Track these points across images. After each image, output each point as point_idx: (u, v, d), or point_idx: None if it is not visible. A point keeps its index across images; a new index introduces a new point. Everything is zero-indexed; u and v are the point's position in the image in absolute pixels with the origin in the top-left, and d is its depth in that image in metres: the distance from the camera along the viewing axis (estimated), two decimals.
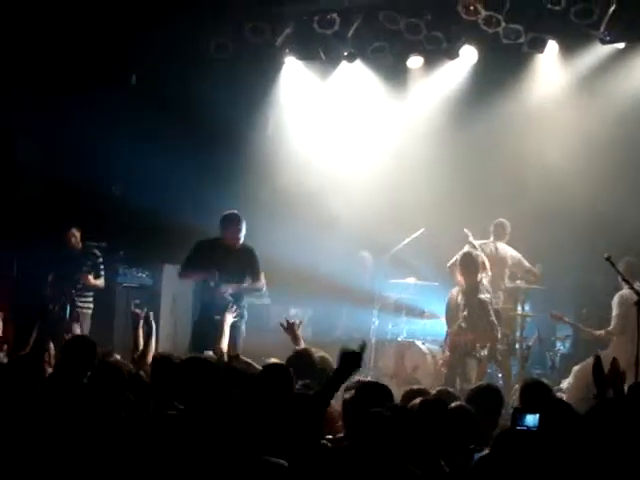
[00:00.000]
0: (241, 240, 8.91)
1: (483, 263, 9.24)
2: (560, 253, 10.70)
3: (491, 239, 10.40)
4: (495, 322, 8.95)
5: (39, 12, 10.64)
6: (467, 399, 5.38)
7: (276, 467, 4.23)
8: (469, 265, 9.06)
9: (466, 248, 9.77)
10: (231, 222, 8.88)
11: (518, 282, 10.28)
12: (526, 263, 10.33)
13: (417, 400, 5.19)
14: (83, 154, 11.14)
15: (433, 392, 5.89)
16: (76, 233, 10.17)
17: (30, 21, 10.66)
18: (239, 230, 8.85)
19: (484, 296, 9.02)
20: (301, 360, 6.09)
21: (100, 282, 10.21)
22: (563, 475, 4.02)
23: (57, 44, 10.94)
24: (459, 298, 9.11)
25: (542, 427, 4.26)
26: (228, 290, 8.72)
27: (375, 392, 5.31)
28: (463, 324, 8.99)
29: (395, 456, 4.23)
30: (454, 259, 9.69)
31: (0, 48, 10.68)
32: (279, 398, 5.00)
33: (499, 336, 9.05)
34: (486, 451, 4.33)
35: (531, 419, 4.35)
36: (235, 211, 8.99)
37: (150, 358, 6.44)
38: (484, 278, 9.17)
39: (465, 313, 9.00)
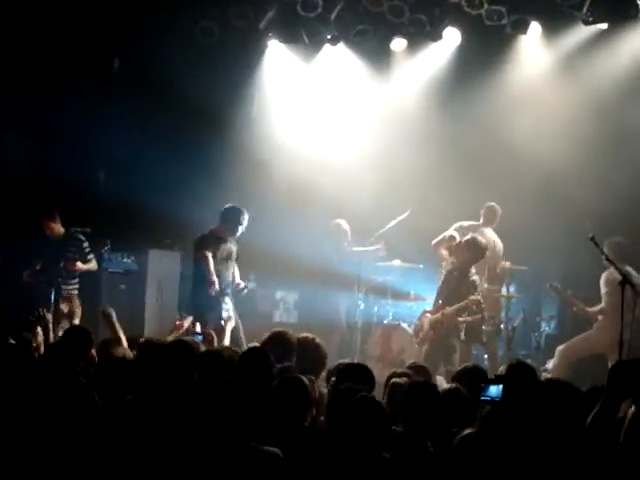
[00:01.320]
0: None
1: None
2: (545, 234, 10.73)
3: (481, 221, 10.36)
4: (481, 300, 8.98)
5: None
6: (453, 380, 5.42)
7: (268, 455, 4.25)
8: (474, 249, 9.08)
9: (452, 230, 9.81)
10: None
11: (507, 264, 10.29)
12: (500, 258, 10.35)
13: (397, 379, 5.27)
14: (67, 139, 11.08)
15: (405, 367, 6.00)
16: (56, 220, 10.00)
17: (9, 8, 10.56)
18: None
19: (476, 277, 9.08)
20: (278, 342, 6.09)
21: (91, 265, 10.05)
22: (548, 454, 4.06)
23: (38, 29, 10.85)
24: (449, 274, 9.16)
25: (506, 397, 4.29)
26: None
27: (355, 373, 5.35)
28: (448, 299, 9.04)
29: (373, 441, 4.24)
30: (441, 237, 9.74)
31: None
32: (259, 382, 4.99)
33: (486, 316, 9.07)
34: (468, 431, 4.36)
35: (494, 390, 4.40)
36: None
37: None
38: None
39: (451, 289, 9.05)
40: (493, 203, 10.36)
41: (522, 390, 4.45)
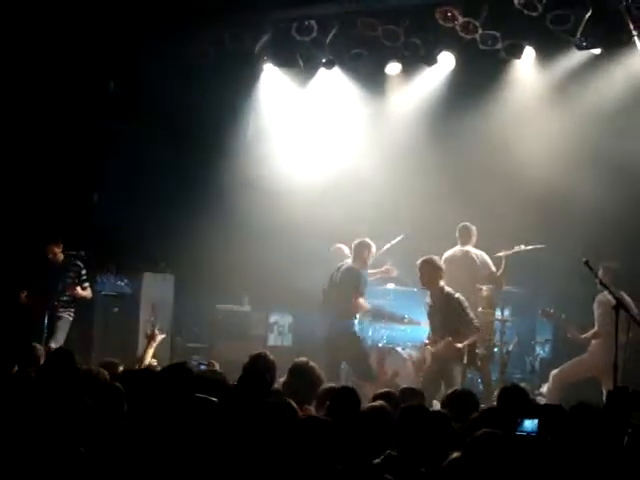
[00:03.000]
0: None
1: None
2: (539, 258, 10.72)
3: (458, 245, 10.30)
4: (473, 319, 8.88)
5: (20, 17, 10.59)
6: (443, 403, 5.41)
7: None
8: (428, 268, 8.92)
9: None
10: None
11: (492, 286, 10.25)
12: (492, 266, 10.27)
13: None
14: (62, 161, 11.09)
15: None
16: (59, 245, 10.06)
17: (10, 31, 10.60)
18: None
19: (458, 295, 8.92)
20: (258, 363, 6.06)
21: (87, 292, 10.14)
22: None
23: (36, 50, 10.88)
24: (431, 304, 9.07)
25: (542, 432, 4.26)
26: None
27: (344, 397, 5.33)
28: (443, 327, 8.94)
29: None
30: None
31: None
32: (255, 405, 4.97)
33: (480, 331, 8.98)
34: (456, 454, 4.35)
35: (530, 424, 4.35)
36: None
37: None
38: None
39: (440, 317, 8.96)
40: (466, 223, 10.27)
41: (557, 424, 4.41)
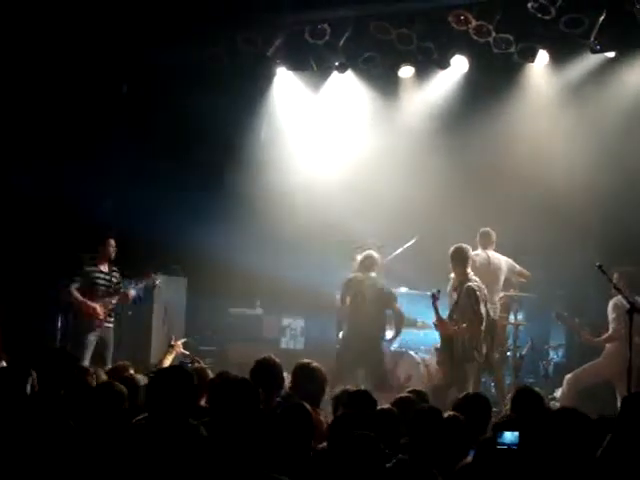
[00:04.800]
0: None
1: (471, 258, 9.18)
2: (553, 262, 10.71)
3: (479, 250, 10.25)
4: (481, 312, 8.79)
5: (31, 21, 10.62)
6: (455, 408, 5.38)
7: None
8: (459, 258, 8.99)
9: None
10: None
11: (512, 291, 10.24)
12: (517, 266, 10.26)
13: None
14: (76, 166, 11.11)
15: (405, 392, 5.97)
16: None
17: (21, 31, 10.64)
18: None
19: (472, 284, 8.91)
20: (265, 370, 6.02)
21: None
22: None
23: (48, 55, 10.93)
24: (453, 295, 9.06)
25: (522, 444, 4.21)
26: None
27: (359, 401, 5.32)
28: (453, 315, 8.95)
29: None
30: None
31: None
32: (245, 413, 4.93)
33: (482, 328, 8.83)
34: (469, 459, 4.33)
35: (510, 436, 4.30)
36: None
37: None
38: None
39: (454, 305, 8.97)
40: (487, 228, 10.23)
41: (537, 434, 4.37)
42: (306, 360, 6.31)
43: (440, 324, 8.94)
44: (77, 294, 9.65)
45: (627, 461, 4.02)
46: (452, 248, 9.03)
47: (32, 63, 10.89)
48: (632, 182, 10.01)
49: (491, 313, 9.20)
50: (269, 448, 4.59)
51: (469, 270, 8.98)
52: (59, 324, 9.89)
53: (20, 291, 10.66)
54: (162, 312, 11.02)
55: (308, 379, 6.02)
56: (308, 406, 5.00)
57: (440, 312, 8.94)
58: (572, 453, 4.15)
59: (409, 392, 6.01)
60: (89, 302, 9.60)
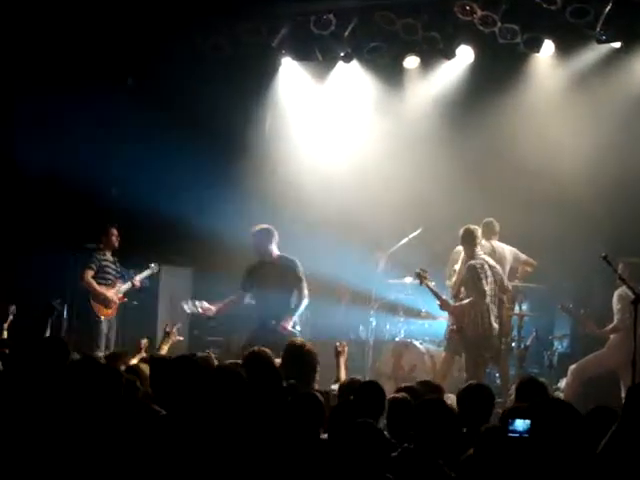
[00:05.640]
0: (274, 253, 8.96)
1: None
2: (558, 253, 10.69)
3: (482, 240, 10.26)
4: (483, 288, 8.91)
5: (37, 11, 10.64)
6: (458, 397, 5.39)
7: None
8: (467, 238, 9.14)
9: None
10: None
11: (516, 282, 10.24)
12: (522, 255, 10.28)
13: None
14: (82, 155, 11.14)
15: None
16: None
17: (27, 21, 10.66)
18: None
19: (474, 261, 9.04)
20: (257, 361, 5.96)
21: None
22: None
23: (54, 46, 10.94)
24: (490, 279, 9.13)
25: (534, 433, 4.21)
26: (287, 326, 8.68)
27: (367, 391, 5.34)
28: (459, 294, 9.09)
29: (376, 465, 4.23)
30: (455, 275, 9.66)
31: None
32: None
33: (486, 301, 8.95)
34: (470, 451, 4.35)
35: (521, 424, 4.29)
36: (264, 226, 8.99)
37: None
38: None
39: (493, 285, 9.08)
40: (490, 218, 10.24)
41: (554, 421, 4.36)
42: (297, 340, 6.33)
43: (442, 302, 9.08)
44: (93, 282, 9.83)
45: (631, 452, 4.02)
46: (461, 230, 9.20)
47: (38, 54, 10.91)
48: (638, 173, 9.99)
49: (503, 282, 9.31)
50: (278, 436, 4.61)
51: (478, 250, 9.12)
52: (65, 313, 9.91)
53: (26, 278, 10.70)
54: (167, 302, 11.05)
55: (298, 359, 6.01)
56: (320, 396, 5.02)
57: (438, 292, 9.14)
58: (577, 445, 4.15)
59: (418, 383, 6.01)
60: (104, 290, 9.80)
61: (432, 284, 9.30)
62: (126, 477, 4.43)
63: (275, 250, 9.02)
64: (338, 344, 7.16)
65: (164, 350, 7.58)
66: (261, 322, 8.82)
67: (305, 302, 8.90)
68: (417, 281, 9.34)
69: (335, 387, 6.30)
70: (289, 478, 4.34)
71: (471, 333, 8.99)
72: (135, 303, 11.03)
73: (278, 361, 6.22)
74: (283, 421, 4.81)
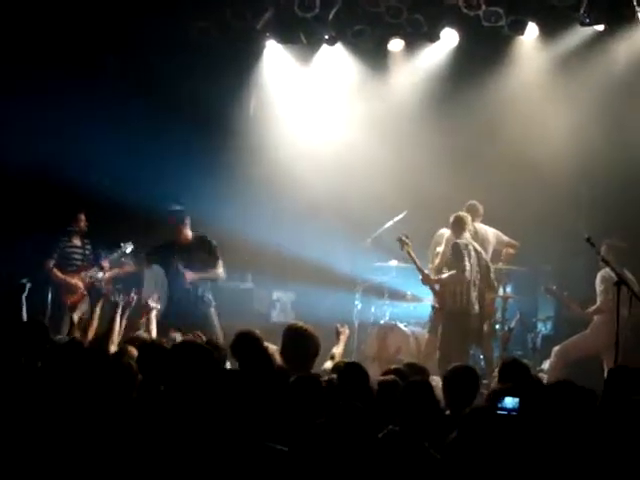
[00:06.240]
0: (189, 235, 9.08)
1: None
2: (542, 235, 10.75)
3: None
4: (464, 263, 9.07)
5: None
6: (444, 380, 5.42)
7: (276, 453, 4.26)
8: (457, 226, 9.29)
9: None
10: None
11: (500, 264, 10.29)
12: (504, 236, 10.33)
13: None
14: (63, 140, 11.07)
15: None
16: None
17: (6, 6, 10.56)
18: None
19: (459, 241, 9.21)
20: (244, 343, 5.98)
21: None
22: (534, 456, 4.06)
23: (35, 31, 10.84)
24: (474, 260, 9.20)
25: (523, 410, 4.25)
26: (192, 277, 8.92)
27: (351, 373, 5.36)
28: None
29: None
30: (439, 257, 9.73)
31: None
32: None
33: (466, 275, 9.09)
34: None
35: (510, 402, 4.33)
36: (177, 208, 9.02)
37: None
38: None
39: (478, 275, 9.19)
40: (474, 201, 10.25)
41: (536, 401, 4.41)
42: (298, 323, 6.30)
43: (422, 274, 9.28)
44: (56, 271, 9.80)
45: (611, 433, 4.07)
46: (452, 216, 9.36)
47: (14, 34, 10.80)
48: (621, 155, 10.04)
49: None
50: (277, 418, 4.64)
51: (467, 235, 9.28)
52: (49, 298, 9.88)
53: (10, 265, 10.65)
54: (152, 286, 11.01)
55: (298, 342, 6.00)
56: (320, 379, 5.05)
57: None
58: (565, 423, 4.20)
59: (404, 366, 6.04)
60: (69, 278, 9.75)
61: (413, 254, 9.38)
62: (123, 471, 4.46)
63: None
64: (339, 325, 7.18)
65: (153, 330, 7.57)
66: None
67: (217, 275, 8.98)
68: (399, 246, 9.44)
69: (329, 365, 6.32)
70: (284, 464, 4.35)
71: (449, 307, 9.09)
72: (119, 286, 11.01)
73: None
74: (283, 406, 4.83)
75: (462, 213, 9.40)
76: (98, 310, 7.49)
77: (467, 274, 9.04)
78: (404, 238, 9.37)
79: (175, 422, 4.60)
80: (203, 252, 9.16)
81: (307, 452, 4.33)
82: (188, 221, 9.19)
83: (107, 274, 10.05)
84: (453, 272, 9.10)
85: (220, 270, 9.18)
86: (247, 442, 4.29)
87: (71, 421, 4.69)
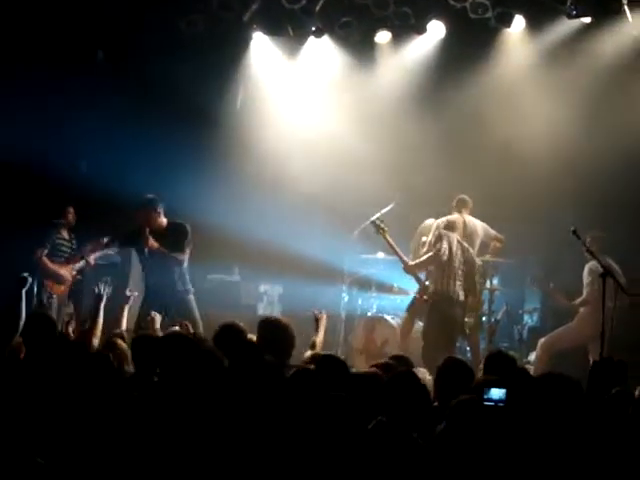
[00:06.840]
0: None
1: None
2: (528, 228, 10.77)
3: (455, 214, 10.30)
4: (444, 249, 9.08)
5: None
6: (437, 373, 5.42)
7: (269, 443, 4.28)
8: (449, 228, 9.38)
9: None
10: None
11: (487, 256, 10.31)
12: (492, 230, 10.34)
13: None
14: (50, 130, 11.03)
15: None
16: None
17: None
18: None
19: (444, 231, 9.30)
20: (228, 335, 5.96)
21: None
22: (520, 447, 4.07)
23: (21, 19, 10.79)
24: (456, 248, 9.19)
25: (510, 401, 4.26)
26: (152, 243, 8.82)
27: (330, 364, 5.36)
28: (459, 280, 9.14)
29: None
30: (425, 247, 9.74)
31: None
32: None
33: (444, 260, 9.09)
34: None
35: (497, 393, 4.33)
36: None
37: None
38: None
39: (463, 267, 9.16)
40: (463, 195, 10.27)
41: (524, 392, 4.41)
42: (272, 317, 6.33)
43: (399, 258, 9.37)
44: (47, 261, 9.83)
45: (596, 424, 4.08)
46: (445, 221, 9.59)
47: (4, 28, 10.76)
48: (607, 146, 10.06)
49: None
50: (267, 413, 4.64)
51: (455, 234, 9.36)
52: (35, 289, 9.85)
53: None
54: (137, 279, 10.98)
55: (274, 334, 6.01)
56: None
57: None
58: (552, 414, 4.21)
59: (390, 358, 6.03)
60: (57, 267, 9.79)
61: (391, 239, 9.38)
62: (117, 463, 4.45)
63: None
64: (317, 311, 7.15)
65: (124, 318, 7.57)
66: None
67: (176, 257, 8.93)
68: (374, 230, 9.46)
69: (309, 354, 6.32)
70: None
71: (433, 293, 9.08)
72: (106, 279, 10.96)
73: None
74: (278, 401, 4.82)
75: (454, 217, 9.51)
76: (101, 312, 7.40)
77: (444, 256, 9.01)
78: (378, 222, 9.35)
79: (169, 413, 4.60)
80: (175, 238, 9.01)
81: (297, 442, 4.34)
82: (161, 209, 9.09)
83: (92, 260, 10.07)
84: (430, 254, 9.11)
85: (181, 255, 8.92)
86: (240, 434, 4.28)
87: (62, 415, 4.69)
